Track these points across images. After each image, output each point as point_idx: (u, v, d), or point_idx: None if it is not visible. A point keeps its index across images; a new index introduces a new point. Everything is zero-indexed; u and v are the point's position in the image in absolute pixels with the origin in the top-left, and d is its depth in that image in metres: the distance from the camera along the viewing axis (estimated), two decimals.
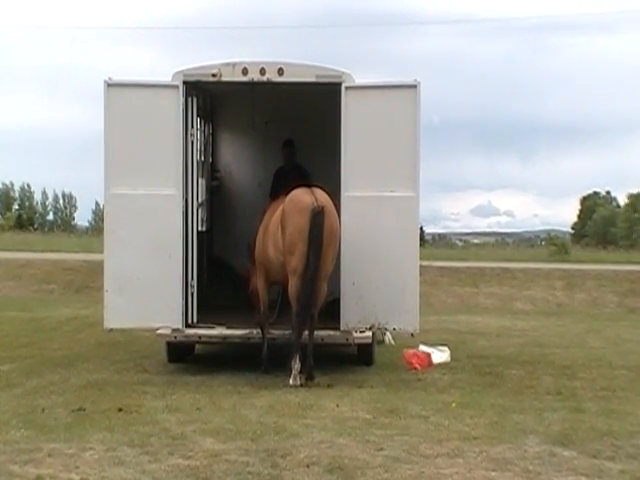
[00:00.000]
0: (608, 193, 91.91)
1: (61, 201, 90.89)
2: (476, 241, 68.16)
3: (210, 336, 11.00)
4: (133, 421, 7.95)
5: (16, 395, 9.26)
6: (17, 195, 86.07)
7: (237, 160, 14.31)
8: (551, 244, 37.83)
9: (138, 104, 10.69)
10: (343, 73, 10.79)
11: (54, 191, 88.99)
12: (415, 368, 11.10)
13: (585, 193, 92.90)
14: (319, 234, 9.91)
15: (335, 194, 10.57)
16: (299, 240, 9.96)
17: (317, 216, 9.93)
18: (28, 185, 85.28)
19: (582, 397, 9.51)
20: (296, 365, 9.89)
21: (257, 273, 10.96)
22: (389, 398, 9.16)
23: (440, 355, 11.73)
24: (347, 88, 10.66)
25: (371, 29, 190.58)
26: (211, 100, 13.41)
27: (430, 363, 11.35)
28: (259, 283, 10.90)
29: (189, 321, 10.89)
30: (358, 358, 11.46)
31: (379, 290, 10.54)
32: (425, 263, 19.07)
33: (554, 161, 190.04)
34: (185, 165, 10.86)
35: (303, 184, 10.59)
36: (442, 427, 7.85)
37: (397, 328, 10.85)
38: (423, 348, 11.80)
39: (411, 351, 11.46)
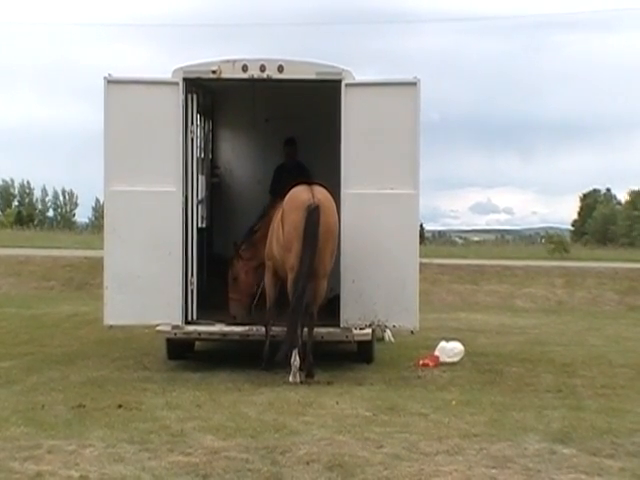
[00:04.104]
0: (608, 191, 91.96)
1: (61, 198, 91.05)
2: (476, 238, 68.26)
3: (210, 333, 11.00)
4: (133, 418, 7.95)
5: (16, 392, 9.26)
6: (17, 192, 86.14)
7: (237, 157, 14.29)
8: (549, 242, 37.76)
9: (138, 101, 10.68)
10: (343, 70, 10.79)
11: (54, 188, 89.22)
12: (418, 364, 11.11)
13: (585, 191, 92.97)
14: (314, 231, 9.88)
15: (335, 191, 10.57)
16: (295, 237, 9.95)
17: (312, 213, 9.90)
18: (28, 182, 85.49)
19: (582, 395, 9.51)
20: (295, 362, 9.88)
21: (266, 270, 10.94)
22: (389, 395, 9.16)
23: (454, 354, 11.67)
24: (347, 85, 10.65)
25: (370, 27, 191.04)
26: (211, 97, 13.39)
27: (436, 362, 11.32)
28: (267, 279, 10.89)
29: (189, 318, 10.89)
30: (358, 355, 11.45)
31: (379, 287, 10.54)
32: (425, 260, 19.11)
33: (553, 159, 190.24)
34: (185, 162, 10.86)
35: (304, 181, 10.59)
36: (442, 425, 7.84)
37: (397, 325, 10.87)
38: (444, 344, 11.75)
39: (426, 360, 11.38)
